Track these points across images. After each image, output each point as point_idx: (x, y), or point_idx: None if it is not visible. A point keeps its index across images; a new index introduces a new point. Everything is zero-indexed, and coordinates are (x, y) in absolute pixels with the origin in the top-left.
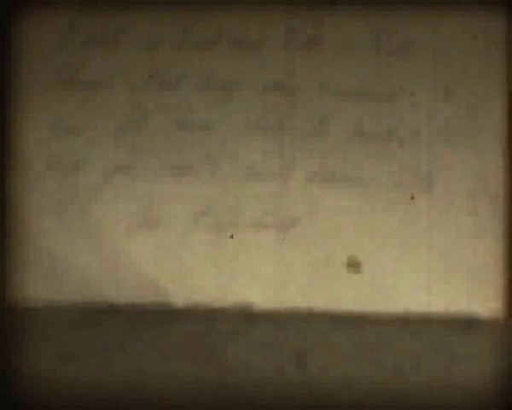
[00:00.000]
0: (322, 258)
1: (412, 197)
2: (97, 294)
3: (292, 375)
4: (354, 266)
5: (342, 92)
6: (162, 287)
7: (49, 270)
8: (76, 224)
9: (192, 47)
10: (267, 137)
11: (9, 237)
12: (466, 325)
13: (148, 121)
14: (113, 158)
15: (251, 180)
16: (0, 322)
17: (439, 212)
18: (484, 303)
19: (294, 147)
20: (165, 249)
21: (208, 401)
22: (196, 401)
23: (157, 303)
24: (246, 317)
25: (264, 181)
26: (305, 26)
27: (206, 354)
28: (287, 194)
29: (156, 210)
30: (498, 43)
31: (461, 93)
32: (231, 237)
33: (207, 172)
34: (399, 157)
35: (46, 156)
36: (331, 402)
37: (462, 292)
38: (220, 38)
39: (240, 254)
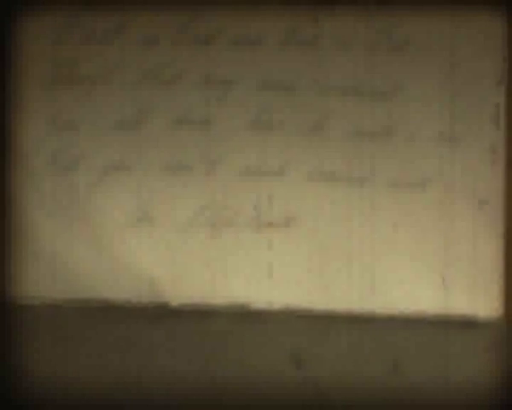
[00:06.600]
0: (321, 257)
1: (411, 197)
2: (95, 292)
3: (289, 374)
4: None
5: (341, 90)
6: (159, 285)
7: (48, 267)
8: (74, 221)
9: (190, 44)
10: (265, 135)
11: (8, 235)
12: (466, 325)
13: (146, 118)
14: (111, 155)
15: (248, 178)
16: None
17: (439, 212)
18: (483, 304)
19: (293, 145)
20: (162, 247)
21: (203, 400)
22: (191, 400)
23: (153, 302)
24: (242, 316)
25: (263, 179)
26: (303, 25)
27: (202, 352)
28: (285, 192)
29: (153, 208)
30: (498, 42)
31: (459, 92)
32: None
33: (204, 170)
34: (398, 156)
35: (45, 153)
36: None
37: (461, 293)
38: (219, 35)
39: (235, 252)
